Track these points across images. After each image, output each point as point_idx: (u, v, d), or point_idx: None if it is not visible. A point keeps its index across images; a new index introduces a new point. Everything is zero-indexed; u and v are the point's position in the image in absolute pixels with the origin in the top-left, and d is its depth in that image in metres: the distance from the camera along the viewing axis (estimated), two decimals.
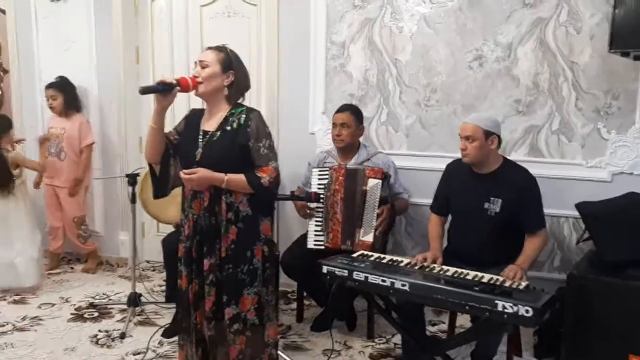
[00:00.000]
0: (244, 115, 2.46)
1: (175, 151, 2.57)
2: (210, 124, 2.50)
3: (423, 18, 3.68)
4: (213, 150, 2.44)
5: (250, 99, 4.04)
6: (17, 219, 4.11)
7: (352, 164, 3.44)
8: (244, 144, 2.43)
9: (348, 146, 3.48)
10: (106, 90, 4.61)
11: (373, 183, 3.24)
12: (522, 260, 2.74)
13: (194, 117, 2.59)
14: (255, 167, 2.44)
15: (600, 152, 3.39)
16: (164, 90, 2.37)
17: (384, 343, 3.34)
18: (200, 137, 2.49)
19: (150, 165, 2.60)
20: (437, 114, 3.72)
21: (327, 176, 3.36)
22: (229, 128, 2.45)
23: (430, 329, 3.49)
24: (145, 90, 2.40)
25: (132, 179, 3.51)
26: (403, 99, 3.79)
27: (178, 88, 2.39)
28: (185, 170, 2.41)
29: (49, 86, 4.44)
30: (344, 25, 3.87)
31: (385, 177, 3.29)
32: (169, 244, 3.39)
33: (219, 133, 2.46)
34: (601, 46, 3.22)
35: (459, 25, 3.60)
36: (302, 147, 4.01)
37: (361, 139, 3.60)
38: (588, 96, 3.37)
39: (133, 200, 3.55)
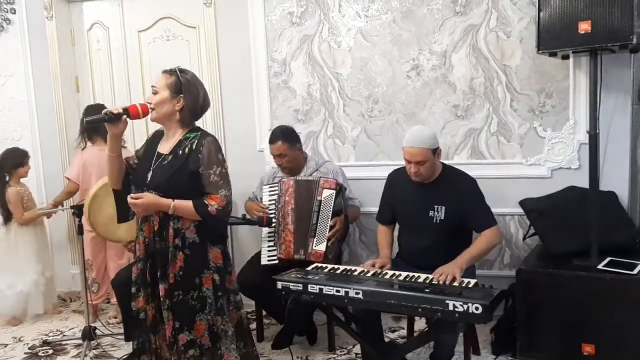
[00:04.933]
0: (196, 141, 2.44)
1: (133, 175, 2.56)
2: (165, 147, 2.50)
3: (360, 32, 3.76)
4: (161, 174, 2.43)
5: None
6: (15, 252, 4.09)
7: (302, 177, 3.47)
8: (194, 170, 2.41)
9: (293, 169, 3.50)
10: (46, 122, 4.51)
11: (327, 194, 3.27)
12: (461, 255, 2.76)
13: (154, 140, 2.59)
14: (205, 194, 2.42)
15: (538, 150, 3.51)
16: (110, 120, 2.36)
17: (345, 354, 3.35)
18: (154, 159, 2.48)
19: (114, 190, 2.58)
20: (380, 124, 3.79)
21: (276, 190, 3.38)
22: (180, 152, 2.44)
23: (390, 335, 3.52)
24: (91, 122, 2.39)
25: (77, 210, 3.44)
26: (347, 112, 3.85)
27: (125, 117, 2.38)
28: (132, 195, 2.40)
29: None
30: (284, 43, 3.92)
31: (340, 188, 3.32)
32: (120, 284, 3.29)
33: (170, 157, 2.45)
34: (530, 48, 3.34)
35: (394, 36, 3.69)
36: (251, 165, 4.01)
37: (309, 152, 3.63)
38: (522, 97, 3.50)
39: (80, 232, 3.48)
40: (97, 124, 2.41)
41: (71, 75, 4.51)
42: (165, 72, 2.49)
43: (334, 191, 3.27)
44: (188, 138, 2.46)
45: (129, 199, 2.40)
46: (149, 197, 2.38)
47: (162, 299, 2.44)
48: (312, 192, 3.30)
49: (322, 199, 3.27)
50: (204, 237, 2.46)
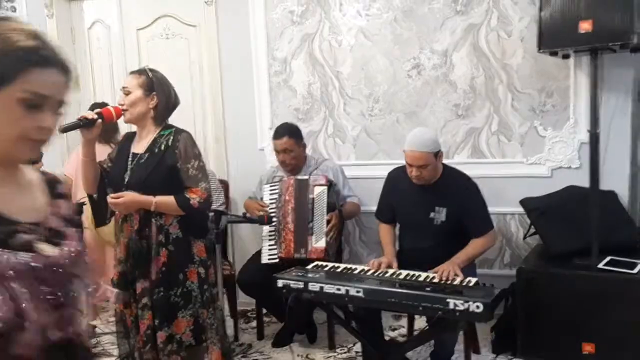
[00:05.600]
0: (172, 137, 2.47)
1: (108, 179, 2.57)
2: (139, 147, 2.52)
3: (360, 30, 3.76)
4: (140, 172, 2.45)
5: (195, 119, 4.06)
6: None
7: (302, 175, 3.47)
8: (172, 165, 2.44)
9: (295, 167, 3.51)
10: None
11: (319, 190, 3.29)
12: (457, 255, 2.79)
13: (126, 142, 2.60)
14: (185, 189, 2.44)
15: (539, 149, 3.51)
16: (85, 126, 2.38)
17: (345, 352, 3.35)
18: (130, 160, 2.50)
19: (89, 195, 2.60)
20: (381, 123, 3.79)
21: (277, 189, 3.38)
22: (156, 150, 2.46)
23: (390, 334, 3.52)
24: (65, 129, 2.40)
25: (79, 207, 3.43)
26: (347, 111, 3.85)
27: (100, 121, 2.39)
28: (111, 195, 2.41)
29: None
30: (284, 42, 3.92)
31: (330, 184, 3.33)
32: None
33: (147, 155, 2.47)
34: (531, 47, 3.33)
35: (395, 35, 3.69)
36: (251, 163, 4.02)
37: (308, 151, 3.64)
38: (523, 96, 3.50)
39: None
40: (72, 130, 2.42)
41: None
42: (133, 72, 2.52)
43: (325, 187, 3.28)
44: (162, 135, 2.49)
45: (109, 199, 2.42)
46: (129, 196, 2.40)
47: (137, 297, 2.46)
48: (306, 191, 3.31)
49: (315, 196, 3.29)
50: (187, 232, 2.48)
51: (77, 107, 4.50)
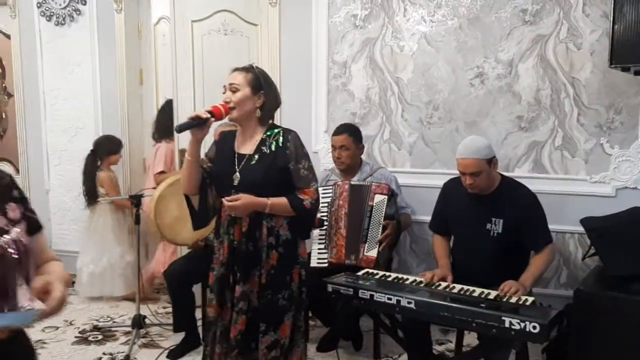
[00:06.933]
0: (281, 137, 2.40)
1: (210, 179, 2.49)
2: (246, 147, 2.44)
3: (424, 37, 3.71)
4: (253, 174, 2.37)
5: None
6: (94, 234, 4.31)
7: (355, 180, 3.45)
8: (283, 167, 2.37)
9: (349, 167, 3.48)
10: (110, 112, 4.63)
11: (379, 199, 3.24)
12: (525, 277, 2.69)
13: (226, 141, 2.52)
14: (297, 190, 2.38)
15: (604, 167, 3.39)
16: (198, 125, 2.32)
17: None
18: (236, 161, 2.42)
19: (187, 197, 2.51)
20: (439, 131, 3.73)
21: (330, 193, 3.37)
22: (266, 151, 2.39)
23: (438, 348, 3.45)
24: (181, 128, 2.36)
25: (136, 200, 3.51)
26: (405, 117, 3.81)
27: (212, 119, 2.34)
28: (227, 198, 2.33)
29: None
30: (346, 45, 3.91)
31: (392, 194, 3.29)
32: (172, 276, 3.37)
33: (256, 156, 2.40)
34: (601, 61, 3.23)
35: (459, 43, 3.62)
36: None
37: (363, 157, 3.61)
38: (590, 111, 3.38)
39: (137, 221, 3.55)
40: (187, 129, 2.38)
41: (136, 67, 4.62)
42: (239, 69, 2.42)
43: (386, 196, 3.24)
44: (270, 135, 2.42)
45: (225, 202, 2.33)
46: (246, 198, 2.31)
47: (235, 300, 2.39)
48: (364, 197, 3.27)
49: (374, 204, 3.25)
50: (295, 233, 2.44)
51: (139, 100, 4.63)
